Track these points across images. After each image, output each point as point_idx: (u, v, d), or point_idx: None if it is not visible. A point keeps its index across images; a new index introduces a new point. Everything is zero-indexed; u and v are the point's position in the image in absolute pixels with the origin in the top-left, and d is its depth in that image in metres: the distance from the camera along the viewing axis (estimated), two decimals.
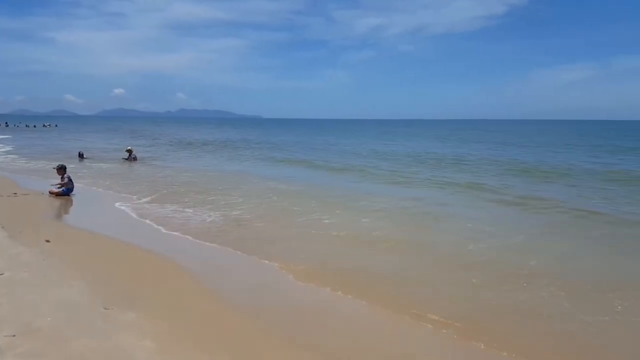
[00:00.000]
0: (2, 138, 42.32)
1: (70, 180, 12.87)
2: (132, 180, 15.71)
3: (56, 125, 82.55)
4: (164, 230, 8.60)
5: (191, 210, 10.33)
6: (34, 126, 74.31)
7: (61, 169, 13.15)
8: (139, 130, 68.27)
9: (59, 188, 12.52)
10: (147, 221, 9.27)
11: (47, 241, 7.34)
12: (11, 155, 25.36)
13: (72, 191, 12.86)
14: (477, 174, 18.35)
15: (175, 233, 8.41)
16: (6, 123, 76.77)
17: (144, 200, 11.87)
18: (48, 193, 12.44)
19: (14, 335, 3.89)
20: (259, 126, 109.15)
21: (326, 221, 9.26)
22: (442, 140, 46.70)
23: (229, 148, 33.97)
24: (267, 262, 6.64)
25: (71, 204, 11.71)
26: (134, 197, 12.28)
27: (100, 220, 9.77)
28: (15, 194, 12.18)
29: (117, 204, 11.09)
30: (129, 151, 24.00)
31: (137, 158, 23.68)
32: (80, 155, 24.22)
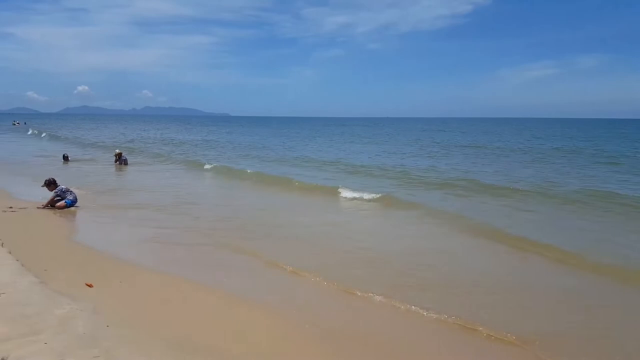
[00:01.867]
0: None
1: (67, 191, 11.24)
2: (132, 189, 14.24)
3: (25, 123, 78.63)
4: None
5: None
6: None
7: (51, 184, 11.45)
8: (111, 128, 65.54)
9: (57, 202, 10.90)
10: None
11: (89, 285, 5.57)
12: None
13: (76, 202, 11.30)
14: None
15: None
16: None
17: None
18: (47, 206, 10.86)
19: None
20: (225, 125, 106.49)
21: None
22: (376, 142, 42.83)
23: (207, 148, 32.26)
24: None
25: (83, 221, 9.88)
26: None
27: (131, 245, 8.04)
28: (11, 207, 10.49)
29: (130, 223, 9.67)
30: (118, 154, 22.30)
31: (128, 161, 22.00)
32: (65, 158, 22.30)
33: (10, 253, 6.61)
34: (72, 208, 10.88)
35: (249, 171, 18.42)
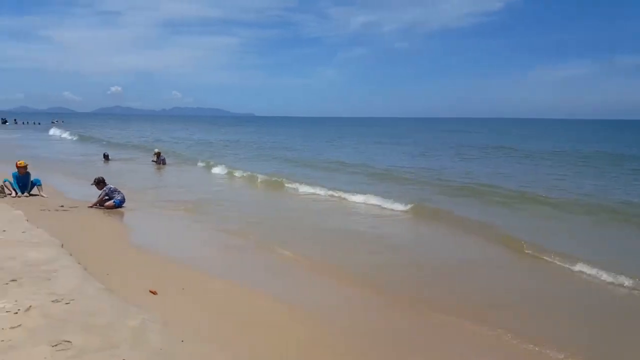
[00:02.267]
0: None
1: (115, 190, 11.25)
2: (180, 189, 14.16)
3: (63, 122, 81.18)
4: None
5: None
6: (39, 123, 72.56)
7: (100, 183, 11.50)
8: (147, 129, 66.58)
9: (106, 201, 10.90)
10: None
11: (153, 293, 5.36)
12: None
13: (124, 202, 11.28)
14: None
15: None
16: (4, 120, 71.41)
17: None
18: (96, 205, 10.87)
19: None
20: (250, 125, 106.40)
21: None
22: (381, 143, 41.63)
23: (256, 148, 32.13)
24: None
25: (134, 222, 9.77)
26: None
27: (186, 248, 7.95)
28: (62, 206, 10.55)
29: (181, 219, 9.58)
30: (157, 154, 22.47)
31: (166, 161, 22.11)
32: (106, 157, 22.61)
33: (71, 255, 6.48)
34: (120, 208, 10.84)
35: (282, 182, 15.93)
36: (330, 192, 13.09)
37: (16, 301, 4.77)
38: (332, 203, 12.12)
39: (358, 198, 12.36)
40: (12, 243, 6.89)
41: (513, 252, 7.82)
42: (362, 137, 52.83)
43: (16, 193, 11.42)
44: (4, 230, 7.58)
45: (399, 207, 11.35)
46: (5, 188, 11.42)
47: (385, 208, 11.49)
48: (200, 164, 21.45)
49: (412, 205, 11.21)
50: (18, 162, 11.87)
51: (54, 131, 47.17)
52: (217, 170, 19.08)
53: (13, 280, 5.37)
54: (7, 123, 68.47)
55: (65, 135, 41.53)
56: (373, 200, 12.07)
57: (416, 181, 16.23)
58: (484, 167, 21.71)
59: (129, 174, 17.05)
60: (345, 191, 12.99)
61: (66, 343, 3.92)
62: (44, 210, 9.92)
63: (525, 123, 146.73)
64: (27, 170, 11.87)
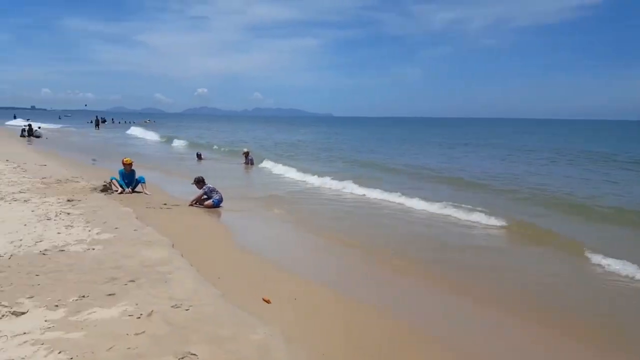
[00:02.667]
0: None
1: (213, 190, 11.41)
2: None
3: (154, 122, 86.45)
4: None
5: None
6: (133, 122, 77.55)
7: (200, 182, 11.71)
8: (240, 131, 68.89)
9: (205, 200, 11.09)
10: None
11: (267, 301, 5.11)
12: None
13: (221, 202, 11.42)
14: None
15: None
16: (103, 119, 74.94)
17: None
18: (195, 204, 11.08)
19: None
20: (331, 125, 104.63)
21: None
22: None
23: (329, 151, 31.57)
24: None
25: (235, 222, 9.71)
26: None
27: (291, 252, 7.76)
28: (165, 204, 10.88)
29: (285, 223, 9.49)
30: (246, 153, 22.89)
31: (254, 161, 22.48)
32: (199, 156, 23.44)
33: (182, 256, 6.45)
34: (218, 208, 10.94)
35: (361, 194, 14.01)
36: (420, 203, 11.61)
37: (137, 304, 4.71)
38: (421, 214, 10.91)
39: (448, 210, 10.77)
40: (127, 241, 7.02)
41: None
42: (445, 138, 50.93)
43: (123, 189, 11.91)
44: (117, 228, 7.80)
45: (501, 223, 9.66)
46: (112, 185, 11.96)
47: (489, 225, 9.72)
48: (285, 167, 20.81)
49: (511, 222, 9.58)
50: (124, 160, 12.40)
51: (134, 130, 48.97)
52: (301, 173, 17.90)
53: (131, 281, 5.37)
54: (105, 122, 73.80)
55: (155, 136, 42.87)
56: (469, 215, 10.27)
57: (518, 192, 14.06)
58: (584, 175, 19.21)
59: (221, 173, 17.37)
60: (431, 201, 11.58)
61: (192, 356, 3.72)
62: (149, 207, 10.20)
63: (626, 126, 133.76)
64: (133, 167, 12.39)
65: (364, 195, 13.30)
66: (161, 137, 41.24)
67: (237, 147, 29.51)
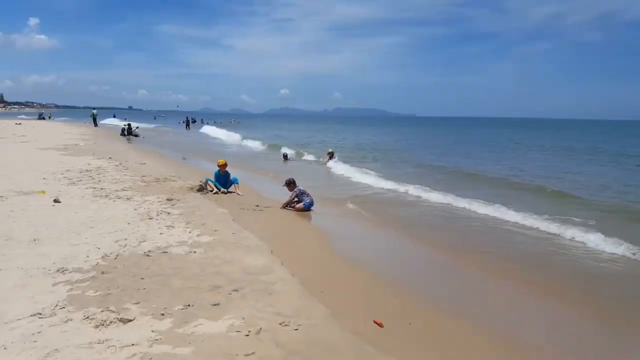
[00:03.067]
0: None
1: (304, 193, 11.14)
2: None
3: (238, 122, 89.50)
4: None
5: None
6: (216, 122, 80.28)
7: (291, 184, 11.53)
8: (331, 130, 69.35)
9: (296, 203, 10.85)
10: None
11: (379, 325, 4.58)
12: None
13: (312, 205, 11.13)
14: None
15: None
16: (193, 119, 76.02)
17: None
18: (286, 206, 10.88)
19: None
20: (414, 125, 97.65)
21: None
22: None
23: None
24: None
25: (329, 225, 9.38)
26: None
27: (397, 265, 7.09)
28: (257, 206, 10.79)
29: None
30: (330, 154, 22.68)
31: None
32: (285, 157, 23.54)
33: (282, 264, 6.13)
34: (309, 211, 10.64)
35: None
36: (530, 221, 9.85)
37: (243, 319, 4.40)
38: (537, 234, 9.19)
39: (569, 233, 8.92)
40: (226, 245, 6.85)
41: None
42: (547, 140, 47.20)
43: (218, 190, 12.02)
44: (216, 230, 7.68)
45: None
46: (207, 185, 12.10)
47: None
48: (367, 169, 19.87)
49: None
50: (219, 161, 12.53)
51: (213, 130, 48.98)
52: (383, 178, 16.63)
53: (235, 291, 5.11)
54: (195, 122, 77.28)
55: (238, 136, 42.10)
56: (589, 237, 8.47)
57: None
58: None
59: (307, 174, 17.20)
60: (549, 219, 9.79)
61: None
62: (242, 209, 10.12)
63: None
64: (227, 169, 12.48)
65: (450, 204, 11.93)
66: (243, 137, 40.90)
67: (320, 147, 29.40)
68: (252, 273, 5.65)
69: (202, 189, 11.93)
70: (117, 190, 10.97)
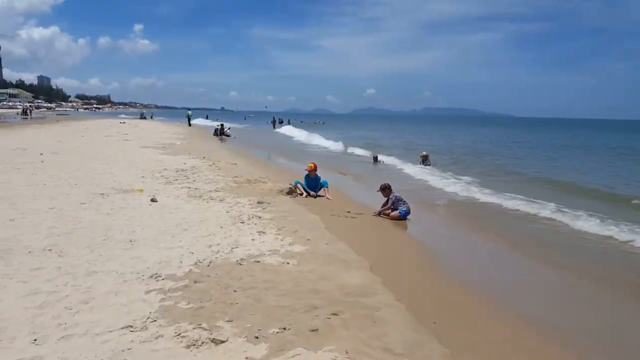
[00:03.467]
0: None
1: (400, 200, 10.36)
2: None
3: (323, 123, 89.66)
4: None
5: None
6: (302, 121, 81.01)
7: (385, 189, 10.74)
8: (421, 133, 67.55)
9: (391, 211, 10.14)
10: None
11: None
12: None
13: (409, 214, 10.36)
14: None
15: None
16: (280, 120, 76.61)
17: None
18: (381, 214, 10.21)
19: None
20: (515, 127, 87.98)
21: None
22: None
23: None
24: None
25: (429, 238, 8.61)
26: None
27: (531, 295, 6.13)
28: (349, 212, 10.23)
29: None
30: (425, 157, 21.64)
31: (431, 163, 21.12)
32: (375, 159, 22.71)
33: (384, 285, 5.47)
34: (405, 220, 9.88)
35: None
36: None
37: (347, 353, 3.82)
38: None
39: None
40: (321, 257, 6.35)
41: None
42: None
43: (307, 193, 11.65)
44: (308, 240, 7.22)
45: None
46: (297, 189, 11.78)
47: None
48: (461, 176, 18.57)
49: None
50: (309, 165, 12.16)
51: (294, 131, 47.79)
52: (483, 187, 14.94)
53: (334, 314, 4.54)
54: (282, 123, 78.46)
55: (322, 138, 40.41)
56: None
57: None
58: None
59: (400, 179, 16.34)
60: None
61: None
62: (334, 215, 9.62)
63: None
64: (317, 172, 12.07)
65: (567, 224, 9.86)
66: (327, 139, 39.53)
67: (412, 150, 28.27)
68: (352, 294, 5.06)
69: (291, 192, 11.63)
70: (210, 191, 10.96)
